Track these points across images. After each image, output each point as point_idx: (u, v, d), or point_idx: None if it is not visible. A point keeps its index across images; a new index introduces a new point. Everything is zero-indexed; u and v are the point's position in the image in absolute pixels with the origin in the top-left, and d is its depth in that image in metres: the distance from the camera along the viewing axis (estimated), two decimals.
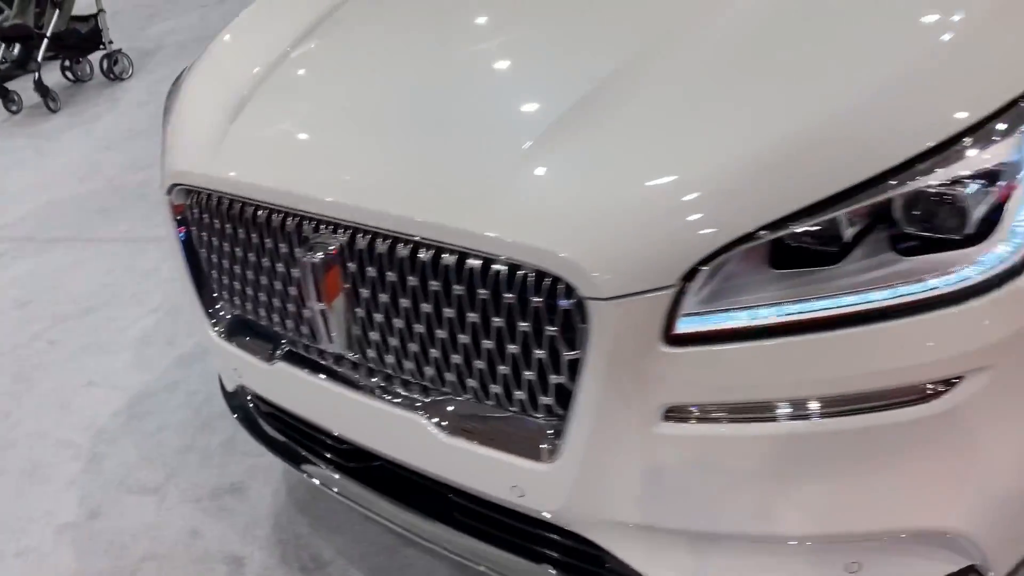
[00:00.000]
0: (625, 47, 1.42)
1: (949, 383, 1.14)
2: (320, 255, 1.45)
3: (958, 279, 1.11)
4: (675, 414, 1.22)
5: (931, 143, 1.13)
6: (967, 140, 1.13)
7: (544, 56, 1.54)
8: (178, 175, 1.73)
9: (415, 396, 1.49)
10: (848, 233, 1.15)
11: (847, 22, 1.30)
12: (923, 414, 1.14)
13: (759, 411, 1.19)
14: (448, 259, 1.32)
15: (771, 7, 1.37)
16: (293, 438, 1.91)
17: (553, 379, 1.29)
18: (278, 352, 1.69)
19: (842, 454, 1.19)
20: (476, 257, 1.29)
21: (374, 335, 1.49)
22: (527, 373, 1.31)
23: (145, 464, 2.66)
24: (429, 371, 1.45)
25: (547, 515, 1.40)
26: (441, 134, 1.44)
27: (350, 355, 1.55)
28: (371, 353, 1.52)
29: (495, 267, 1.27)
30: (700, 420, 1.22)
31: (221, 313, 1.84)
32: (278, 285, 1.62)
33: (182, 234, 1.81)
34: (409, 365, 1.47)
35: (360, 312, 1.48)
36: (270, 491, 2.45)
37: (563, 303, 1.22)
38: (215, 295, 1.84)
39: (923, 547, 1.28)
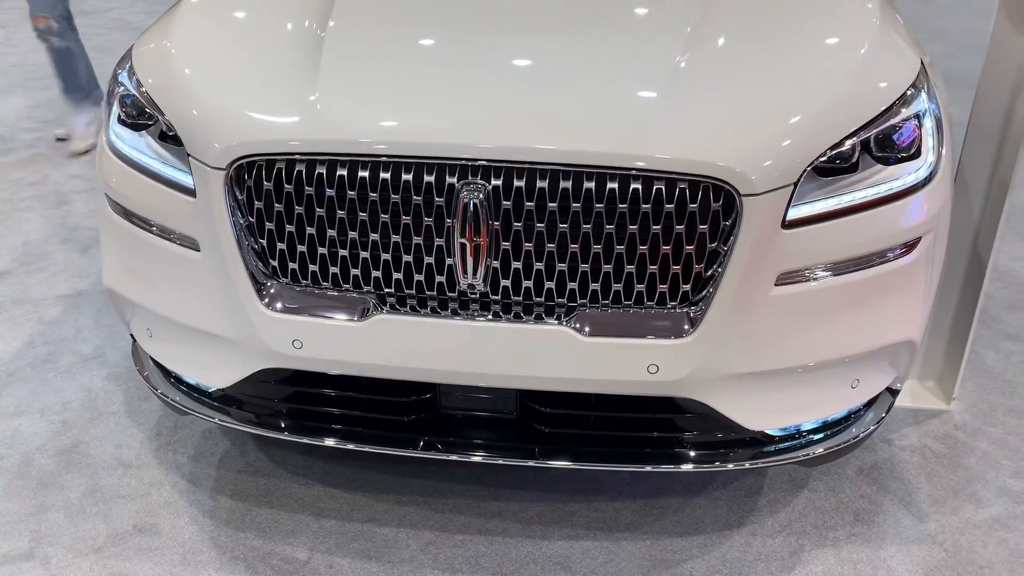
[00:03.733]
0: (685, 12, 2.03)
1: (917, 241, 1.89)
2: (479, 195, 1.70)
3: (916, 176, 1.88)
4: (782, 279, 1.78)
5: (889, 102, 1.89)
6: (900, 101, 1.91)
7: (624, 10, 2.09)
8: (256, 145, 1.76)
9: (547, 314, 1.80)
10: (855, 155, 1.84)
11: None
12: (908, 261, 1.87)
13: (826, 270, 1.81)
14: (612, 184, 1.71)
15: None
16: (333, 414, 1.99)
17: (696, 268, 1.75)
18: (374, 307, 1.82)
19: (866, 294, 1.86)
20: (637, 177, 1.70)
21: (516, 264, 1.77)
22: (674, 267, 1.75)
23: None
24: (572, 286, 1.78)
25: (670, 385, 1.82)
26: (574, 73, 1.85)
27: (482, 288, 1.78)
28: (504, 283, 1.78)
29: (656, 185, 1.71)
30: (795, 281, 1.79)
31: (270, 290, 1.87)
32: (394, 236, 1.78)
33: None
34: (549, 285, 1.78)
35: (505, 245, 1.75)
36: (186, 521, 2.31)
37: (715, 204, 1.71)
38: (263, 273, 1.86)
39: (885, 362, 2.00)
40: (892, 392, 2.12)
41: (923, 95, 1.94)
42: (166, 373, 2.19)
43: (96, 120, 4.59)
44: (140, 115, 2.02)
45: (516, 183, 1.72)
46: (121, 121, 2.07)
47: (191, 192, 1.88)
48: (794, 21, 2.11)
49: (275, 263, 1.86)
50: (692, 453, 1.97)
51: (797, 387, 1.92)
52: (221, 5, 2.24)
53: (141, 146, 2.01)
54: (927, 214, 1.89)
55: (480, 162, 1.72)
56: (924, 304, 1.97)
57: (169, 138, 1.96)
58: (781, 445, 1.99)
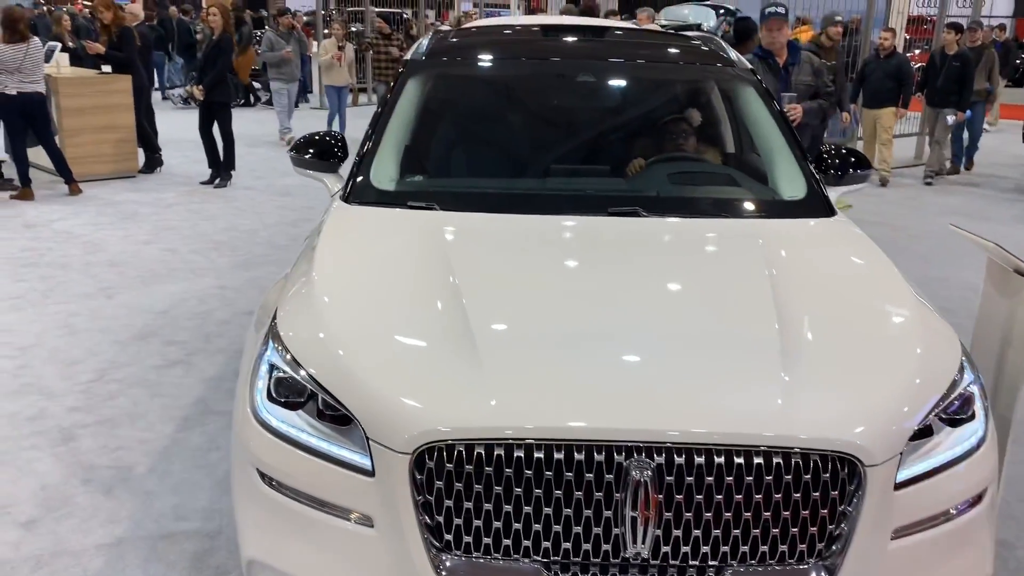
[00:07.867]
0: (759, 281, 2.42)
1: (985, 491, 2.24)
2: (647, 472, 1.95)
3: (977, 435, 2.25)
4: (895, 534, 2.08)
5: (953, 375, 2.28)
6: (959, 373, 2.31)
7: (711, 296, 2.49)
8: (444, 434, 1.97)
9: None
10: (931, 420, 2.21)
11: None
12: (982, 508, 2.22)
13: (927, 523, 2.12)
14: (758, 459, 1.99)
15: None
16: None
17: (831, 529, 2.03)
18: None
19: (957, 541, 2.18)
20: (779, 453, 2.00)
21: (677, 532, 1.99)
22: (812, 528, 2.02)
23: None
24: (724, 549, 2.01)
25: None
26: (705, 355, 2.21)
27: (645, 554, 1.99)
28: (664, 549, 2.00)
29: (794, 459, 2.00)
30: (905, 535, 2.09)
31: (445, 563, 2.02)
32: (566, 510, 1.98)
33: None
34: (705, 549, 2.01)
35: (668, 515, 1.98)
36: None
37: (842, 473, 2.02)
38: (436, 547, 2.02)
39: None
40: None
41: (967, 366, 2.36)
42: None
43: None
44: (295, 394, 2.20)
45: (677, 460, 1.98)
46: (272, 399, 2.23)
47: (367, 472, 2.04)
48: (856, 298, 2.55)
49: (449, 536, 2.02)
50: None
51: None
52: (353, 272, 2.58)
53: (299, 424, 2.17)
54: (990, 466, 2.26)
55: (646, 444, 1.98)
56: (993, 541, 2.31)
57: (327, 417, 2.14)
58: None
